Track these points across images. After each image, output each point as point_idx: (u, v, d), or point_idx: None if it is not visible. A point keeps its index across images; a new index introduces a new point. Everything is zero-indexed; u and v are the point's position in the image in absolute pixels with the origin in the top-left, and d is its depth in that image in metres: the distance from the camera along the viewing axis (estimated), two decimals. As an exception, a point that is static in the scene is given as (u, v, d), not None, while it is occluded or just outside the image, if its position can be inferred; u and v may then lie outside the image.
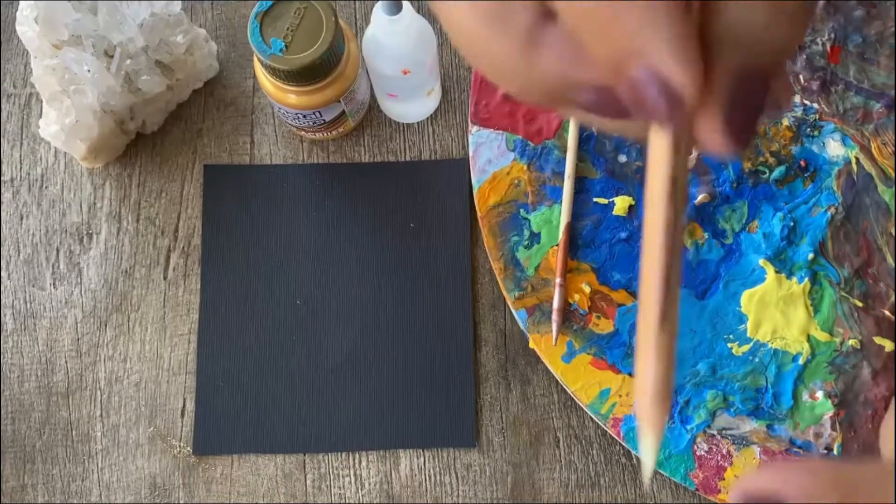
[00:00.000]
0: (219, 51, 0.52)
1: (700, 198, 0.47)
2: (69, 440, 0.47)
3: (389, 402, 0.47)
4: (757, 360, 0.46)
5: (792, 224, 0.47)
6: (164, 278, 0.49)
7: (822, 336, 0.46)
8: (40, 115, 0.51)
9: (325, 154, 0.51)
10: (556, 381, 0.47)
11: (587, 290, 0.46)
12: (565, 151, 0.48)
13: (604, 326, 0.46)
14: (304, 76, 0.43)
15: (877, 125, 0.48)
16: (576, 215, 0.47)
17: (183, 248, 0.49)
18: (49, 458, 0.47)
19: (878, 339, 0.46)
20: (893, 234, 0.47)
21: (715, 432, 0.45)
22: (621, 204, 0.47)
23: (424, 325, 0.48)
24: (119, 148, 0.50)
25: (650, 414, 0.21)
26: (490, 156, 0.48)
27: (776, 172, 0.47)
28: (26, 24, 0.45)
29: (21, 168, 0.51)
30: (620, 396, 0.45)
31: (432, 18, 0.52)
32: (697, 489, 0.45)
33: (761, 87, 0.19)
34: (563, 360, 0.46)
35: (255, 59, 0.45)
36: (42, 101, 0.48)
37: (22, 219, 0.50)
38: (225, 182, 0.50)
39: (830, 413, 0.45)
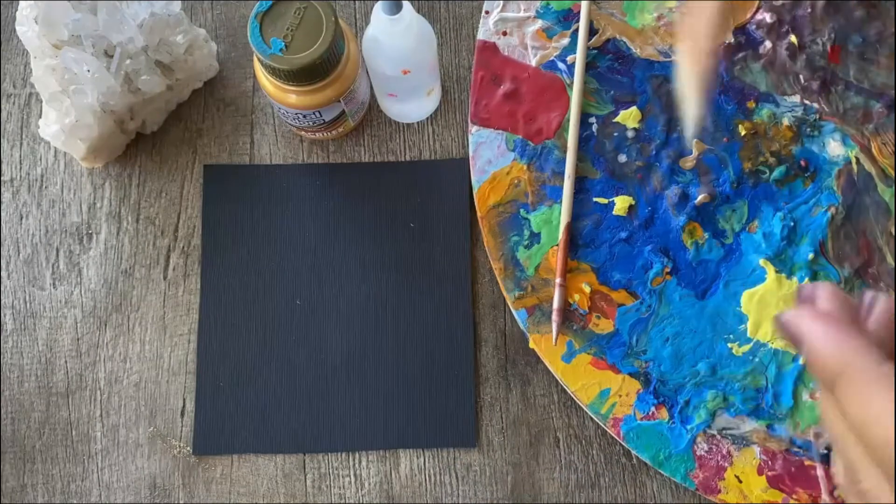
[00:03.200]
0: (219, 51, 0.52)
1: (700, 198, 0.47)
2: (69, 440, 0.47)
3: (389, 402, 0.47)
4: (757, 360, 0.46)
5: (792, 224, 0.47)
6: (164, 278, 0.49)
7: (822, 336, 0.46)
8: (40, 115, 0.51)
9: (325, 154, 0.51)
10: (556, 381, 0.47)
11: (587, 290, 0.46)
12: (565, 151, 0.48)
13: (604, 326, 0.46)
14: (303, 76, 0.43)
15: (877, 125, 0.48)
16: (576, 215, 0.47)
17: (183, 247, 0.49)
18: (49, 458, 0.47)
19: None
20: (893, 233, 0.47)
21: (715, 432, 0.45)
22: (621, 204, 0.47)
23: (424, 325, 0.48)
24: (119, 148, 0.50)
25: None
26: (490, 156, 0.48)
27: (776, 172, 0.47)
28: (26, 24, 0.45)
29: (21, 168, 0.51)
30: (620, 396, 0.45)
31: (432, 18, 0.52)
32: (697, 489, 0.45)
33: None
34: (563, 360, 0.46)
35: (255, 58, 0.45)
36: (42, 101, 0.48)
37: (22, 219, 0.50)
38: (225, 182, 0.50)
39: (830, 413, 0.45)
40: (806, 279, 0.46)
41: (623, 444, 0.46)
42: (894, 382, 0.25)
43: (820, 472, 0.44)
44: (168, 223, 0.50)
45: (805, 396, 0.45)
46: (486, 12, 0.50)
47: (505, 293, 0.47)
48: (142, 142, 0.51)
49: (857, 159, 0.48)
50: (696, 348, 0.46)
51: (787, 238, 0.47)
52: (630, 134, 0.48)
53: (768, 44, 0.49)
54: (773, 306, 0.46)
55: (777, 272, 0.46)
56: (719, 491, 0.44)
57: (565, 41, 0.49)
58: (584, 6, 0.49)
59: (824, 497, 0.44)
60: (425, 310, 0.48)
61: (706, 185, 0.47)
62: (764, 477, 0.44)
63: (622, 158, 0.48)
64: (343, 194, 0.50)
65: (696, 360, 0.46)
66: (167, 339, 0.48)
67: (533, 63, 0.49)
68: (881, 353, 0.25)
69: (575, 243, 0.47)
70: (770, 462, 0.45)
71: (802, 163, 0.48)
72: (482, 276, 0.49)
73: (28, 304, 0.49)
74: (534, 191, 0.48)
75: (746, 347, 0.46)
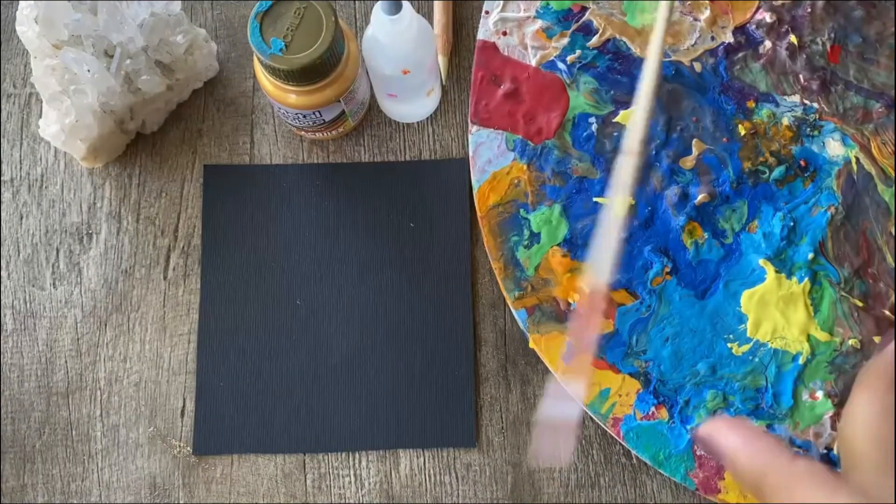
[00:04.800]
0: (219, 51, 0.52)
1: (700, 198, 0.47)
2: (69, 440, 0.47)
3: (389, 402, 0.47)
4: (757, 359, 0.46)
5: (792, 224, 0.47)
6: (164, 278, 0.49)
7: (822, 336, 0.46)
8: (40, 115, 0.51)
9: (324, 154, 0.51)
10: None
11: (587, 289, 0.46)
12: (565, 151, 0.48)
13: (604, 326, 0.46)
14: (303, 76, 0.43)
15: (877, 125, 0.48)
16: (576, 215, 0.47)
17: (183, 247, 0.49)
18: (49, 458, 0.47)
19: (878, 339, 0.46)
20: (893, 233, 0.47)
21: (715, 432, 0.45)
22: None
23: (424, 325, 0.48)
24: (119, 148, 0.50)
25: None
26: (490, 156, 0.48)
27: (776, 172, 0.48)
28: (26, 24, 0.45)
29: (21, 168, 0.51)
30: (620, 396, 0.45)
31: (432, 18, 0.52)
32: (697, 489, 0.45)
33: None
34: (563, 360, 0.46)
35: (255, 58, 0.45)
36: (42, 101, 0.48)
37: (22, 219, 0.50)
38: (225, 182, 0.50)
39: (830, 413, 0.45)
40: (806, 279, 0.46)
41: (623, 443, 0.46)
42: (809, 476, 0.27)
43: (820, 471, 0.44)
44: (168, 223, 0.50)
45: (805, 396, 0.45)
46: (486, 12, 0.50)
47: (505, 293, 0.47)
48: (142, 142, 0.51)
49: (857, 159, 0.48)
50: (696, 348, 0.46)
51: (786, 238, 0.47)
52: (630, 134, 0.48)
53: (768, 44, 0.49)
54: (773, 306, 0.46)
55: (777, 272, 0.46)
56: (719, 491, 0.44)
57: (565, 41, 0.49)
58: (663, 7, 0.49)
59: None
60: (425, 310, 0.48)
61: (706, 184, 0.47)
62: (764, 477, 0.44)
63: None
64: (343, 194, 0.50)
65: (696, 359, 0.46)
66: (167, 339, 0.48)
67: (533, 63, 0.49)
68: (789, 451, 0.28)
69: (575, 243, 0.47)
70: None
71: (802, 163, 0.48)
72: (482, 276, 0.49)
73: (28, 304, 0.49)
74: (534, 191, 0.48)
75: (746, 347, 0.46)
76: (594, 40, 0.49)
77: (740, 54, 0.49)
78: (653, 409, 0.45)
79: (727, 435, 0.28)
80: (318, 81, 0.44)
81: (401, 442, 0.47)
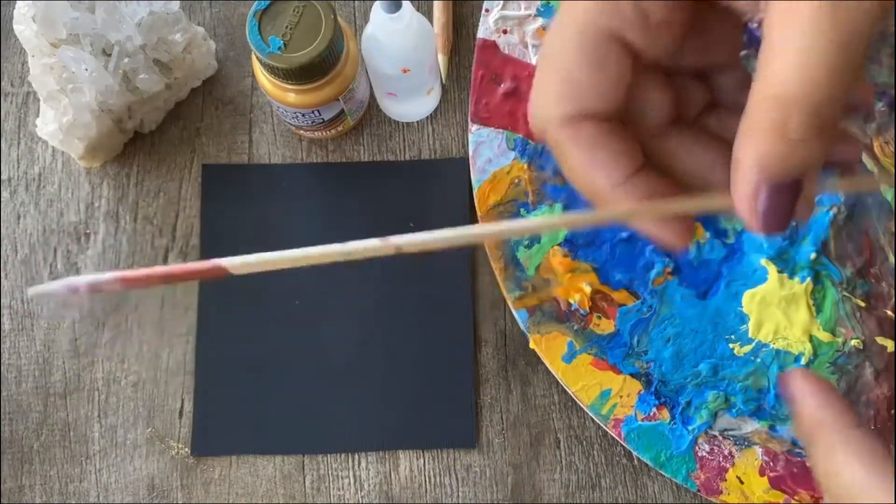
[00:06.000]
0: (217, 49, 0.52)
1: (701, 197, 0.47)
2: (67, 441, 0.47)
3: (389, 402, 0.47)
4: (759, 360, 0.45)
5: (794, 223, 0.47)
6: (163, 278, 0.49)
7: (824, 336, 0.45)
8: (38, 114, 0.50)
9: (324, 153, 0.51)
10: (557, 382, 0.47)
11: (588, 289, 0.46)
12: (566, 150, 0.48)
13: (605, 327, 0.46)
14: (302, 75, 0.43)
15: (878, 124, 0.48)
16: (576, 215, 0.47)
17: (181, 247, 0.49)
18: (47, 459, 0.47)
19: (880, 340, 0.45)
20: (895, 233, 0.47)
21: (717, 433, 0.45)
22: (622, 203, 0.47)
23: (424, 326, 0.48)
24: (117, 147, 0.50)
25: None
26: (490, 155, 0.48)
27: (778, 172, 0.47)
28: (24, 23, 0.45)
29: (18, 167, 0.50)
30: (621, 397, 0.45)
31: (432, 17, 0.52)
32: (699, 490, 0.44)
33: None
34: (564, 361, 0.46)
35: (254, 57, 0.44)
36: (40, 100, 0.47)
37: (19, 218, 0.50)
38: (223, 181, 0.50)
39: (832, 414, 0.45)
40: (808, 279, 0.46)
41: (624, 445, 0.45)
42: (862, 446, 0.27)
43: (822, 473, 0.44)
44: (166, 223, 0.50)
45: (807, 397, 0.45)
46: (487, 10, 0.50)
47: (505, 293, 0.47)
48: (140, 141, 0.51)
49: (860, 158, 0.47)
50: (698, 349, 0.46)
51: (788, 238, 0.46)
52: (631, 133, 0.48)
53: (770, 42, 0.49)
54: (775, 306, 0.46)
55: (779, 272, 0.46)
56: (721, 492, 0.44)
57: (566, 40, 0.49)
58: None
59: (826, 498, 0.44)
60: (425, 310, 0.48)
61: (707, 184, 0.47)
62: (766, 478, 0.44)
63: (623, 158, 0.48)
64: (342, 194, 0.50)
65: (698, 360, 0.45)
66: (165, 340, 0.48)
67: (533, 61, 0.49)
68: (856, 419, 0.28)
69: (575, 243, 0.47)
70: (772, 463, 0.44)
71: (804, 162, 0.47)
72: (482, 276, 0.49)
73: (26, 305, 0.49)
74: (534, 190, 0.47)
75: (748, 348, 0.45)
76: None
77: (742, 53, 0.49)
78: (654, 409, 0.45)
79: (804, 387, 0.29)
80: (317, 80, 0.44)
81: (400, 443, 0.47)
